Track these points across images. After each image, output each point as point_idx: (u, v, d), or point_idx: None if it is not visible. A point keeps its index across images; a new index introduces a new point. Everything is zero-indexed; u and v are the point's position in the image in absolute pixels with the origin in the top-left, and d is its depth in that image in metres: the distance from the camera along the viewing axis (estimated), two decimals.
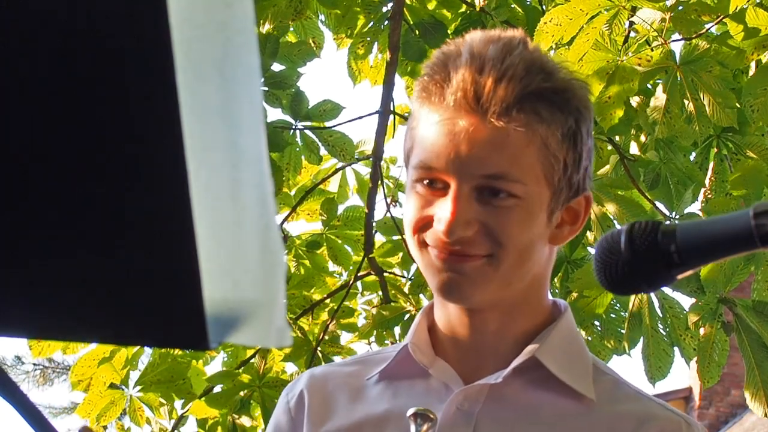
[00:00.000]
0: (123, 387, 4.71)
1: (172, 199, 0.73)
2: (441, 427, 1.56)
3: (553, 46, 4.12)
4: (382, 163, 5.25)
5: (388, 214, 5.18)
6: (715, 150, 4.39)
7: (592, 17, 3.87)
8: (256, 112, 0.79)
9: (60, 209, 0.75)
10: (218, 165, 0.77)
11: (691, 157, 4.47)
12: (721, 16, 3.94)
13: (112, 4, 0.72)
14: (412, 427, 1.44)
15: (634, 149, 4.58)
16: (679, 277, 1.00)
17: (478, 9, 4.73)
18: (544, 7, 4.79)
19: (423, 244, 1.56)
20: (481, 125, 1.51)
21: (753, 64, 4.04)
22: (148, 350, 4.84)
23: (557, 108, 1.54)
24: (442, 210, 1.52)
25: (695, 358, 4.21)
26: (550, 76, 1.55)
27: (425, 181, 1.55)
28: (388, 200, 5.30)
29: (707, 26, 4.00)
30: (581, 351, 1.66)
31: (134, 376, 4.71)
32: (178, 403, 4.99)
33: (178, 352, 4.88)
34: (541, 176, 1.54)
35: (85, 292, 0.76)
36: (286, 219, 5.36)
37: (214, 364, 5.40)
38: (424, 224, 1.55)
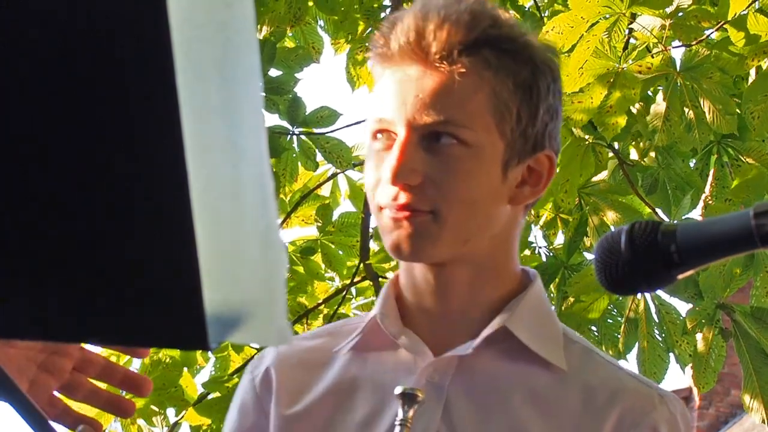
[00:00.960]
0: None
1: (172, 199, 0.73)
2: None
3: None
4: None
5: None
6: (716, 156, 4.39)
7: (593, 25, 3.87)
8: (256, 112, 0.79)
9: (59, 209, 0.75)
10: (218, 165, 0.77)
11: (692, 164, 4.47)
12: (721, 23, 3.94)
13: (112, 4, 0.72)
14: (399, 411, 1.42)
15: (633, 155, 4.58)
16: (680, 277, 1.00)
17: None
18: (543, 13, 4.79)
19: (379, 209, 1.55)
20: (427, 72, 1.52)
21: (753, 71, 4.04)
22: (136, 362, 4.82)
23: (508, 56, 1.54)
24: (389, 159, 1.52)
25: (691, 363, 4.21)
26: (500, 25, 1.54)
27: (378, 135, 1.55)
28: None
29: (707, 33, 4.01)
30: (551, 320, 1.64)
31: None
32: (170, 410, 4.98)
33: (168, 360, 4.87)
34: (491, 125, 1.53)
35: (84, 292, 0.76)
36: (281, 225, 5.36)
37: (203, 373, 5.39)
38: (376, 183, 1.55)
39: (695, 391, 4.30)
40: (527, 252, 4.76)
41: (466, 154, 1.52)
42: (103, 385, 1.44)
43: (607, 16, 3.90)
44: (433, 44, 1.51)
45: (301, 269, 5.34)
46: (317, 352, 1.66)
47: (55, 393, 1.41)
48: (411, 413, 1.41)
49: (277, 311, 0.81)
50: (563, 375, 1.58)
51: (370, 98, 1.60)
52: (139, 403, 4.77)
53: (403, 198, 1.51)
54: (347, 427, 1.58)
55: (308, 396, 1.62)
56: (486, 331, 1.57)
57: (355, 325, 1.67)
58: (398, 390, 1.40)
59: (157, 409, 4.91)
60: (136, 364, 4.87)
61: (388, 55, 1.54)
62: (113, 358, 4.54)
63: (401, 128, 1.52)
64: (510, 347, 1.58)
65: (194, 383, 5.04)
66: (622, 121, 3.93)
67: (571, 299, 4.29)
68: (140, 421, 4.90)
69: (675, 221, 4.38)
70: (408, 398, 1.41)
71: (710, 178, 4.40)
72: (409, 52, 1.52)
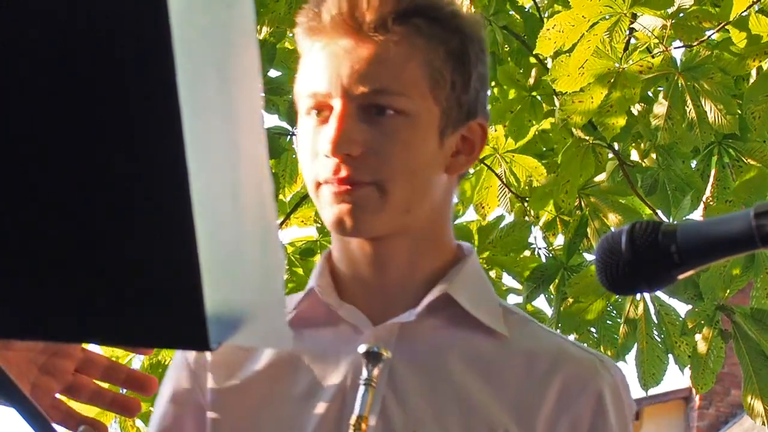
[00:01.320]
0: None
1: (172, 199, 0.73)
2: (356, 368, 1.52)
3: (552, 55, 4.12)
4: None
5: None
6: (716, 157, 4.38)
7: (594, 24, 3.87)
8: (256, 113, 0.79)
9: (59, 209, 0.75)
10: (218, 166, 0.77)
11: (692, 165, 4.46)
12: (723, 23, 3.94)
13: (112, 4, 0.72)
14: (364, 371, 1.39)
15: (633, 156, 4.58)
16: (680, 277, 1.00)
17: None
18: (544, 14, 4.79)
19: (317, 185, 1.53)
20: (360, 42, 1.51)
21: (754, 72, 4.04)
22: (136, 363, 4.82)
23: (438, 24, 1.54)
24: (328, 131, 1.50)
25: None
26: None
27: (313, 111, 1.54)
28: None
29: (708, 33, 4.00)
30: (489, 290, 1.65)
31: None
32: None
33: (169, 361, 4.87)
34: (427, 92, 1.53)
35: (84, 292, 0.76)
36: (280, 226, 5.36)
37: None
38: (314, 157, 1.53)
39: (695, 391, 4.29)
40: (527, 253, 4.76)
41: (404, 123, 1.51)
42: (105, 385, 1.45)
43: (609, 15, 3.89)
44: (366, 14, 1.51)
45: (300, 270, 5.34)
46: None
47: (58, 396, 1.42)
48: (376, 372, 1.38)
49: (276, 312, 0.81)
50: (505, 341, 1.58)
51: (299, 72, 1.57)
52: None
53: (344, 171, 1.49)
54: (287, 400, 1.56)
55: (245, 371, 1.60)
56: (428, 298, 1.56)
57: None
58: (362, 349, 1.37)
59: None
60: (135, 364, 4.87)
61: (318, 28, 1.53)
62: (115, 358, 4.55)
63: (337, 100, 1.51)
64: (452, 314, 1.57)
65: None
66: (621, 121, 3.93)
67: (570, 300, 4.29)
68: (138, 422, 4.89)
69: (675, 222, 4.38)
70: (372, 357, 1.37)
71: (711, 179, 4.40)
72: (342, 23, 1.51)
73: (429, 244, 1.60)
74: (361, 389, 1.35)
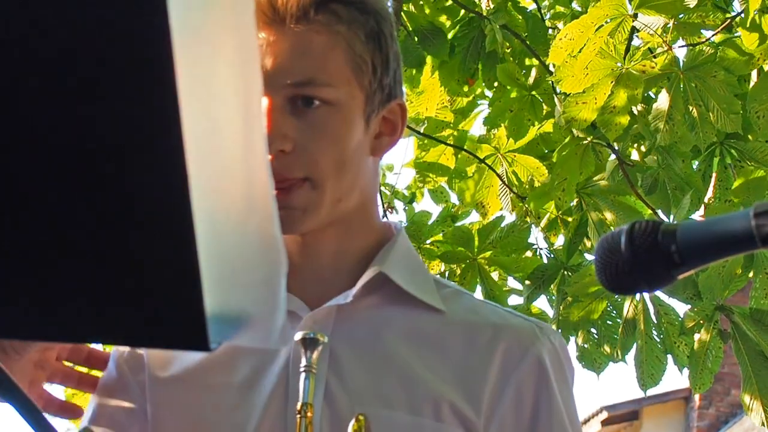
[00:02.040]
0: None
1: (172, 199, 0.73)
2: (295, 357, 1.51)
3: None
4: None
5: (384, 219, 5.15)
6: (718, 157, 4.37)
7: (599, 27, 3.87)
8: (256, 112, 0.79)
9: (59, 210, 0.75)
10: (218, 165, 0.77)
11: (695, 165, 4.46)
12: (728, 22, 3.93)
13: (112, 4, 0.72)
14: (303, 358, 1.38)
15: (633, 155, 4.57)
16: (680, 277, 1.00)
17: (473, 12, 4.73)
18: (546, 15, 4.79)
19: None
20: (282, 34, 1.50)
21: (754, 72, 4.03)
22: None
23: (355, 8, 1.54)
24: None
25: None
26: None
27: None
28: (384, 206, 5.30)
29: (712, 32, 4.00)
30: (422, 266, 1.65)
31: None
32: None
33: None
34: (351, 79, 1.53)
35: (84, 292, 0.76)
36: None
37: None
38: None
39: (694, 391, 4.29)
40: (528, 253, 4.76)
41: (331, 113, 1.51)
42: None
43: (613, 17, 3.89)
44: (287, 5, 1.50)
45: None
46: None
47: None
48: (315, 356, 1.37)
49: (276, 312, 0.81)
50: (443, 316, 1.58)
51: None
52: None
53: (277, 168, 1.49)
54: (228, 389, 1.54)
55: (182, 361, 1.58)
56: (363, 279, 1.56)
57: None
58: (298, 336, 1.34)
59: None
60: None
61: None
62: None
63: (264, 96, 1.50)
64: (387, 293, 1.58)
65: None
66: (625, 121, 3.92)
67: (570, 300, 4.29)
68: None
69: (675, 221, 4.37)
70: (309, 343, 1.36)
71: (713, 180, 4.39)
72: (262, 16, 1.50)
73: (358, 227, 1.60)
74: (302, 376, 1.34)
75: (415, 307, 1.58)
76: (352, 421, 1.25)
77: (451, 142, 5.07)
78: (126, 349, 1.62)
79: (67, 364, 1.50)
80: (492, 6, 4.69)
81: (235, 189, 0.78)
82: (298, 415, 1.29)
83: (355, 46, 1.53)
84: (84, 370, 1.57)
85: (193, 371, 1.56)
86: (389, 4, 1.53)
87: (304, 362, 1.34)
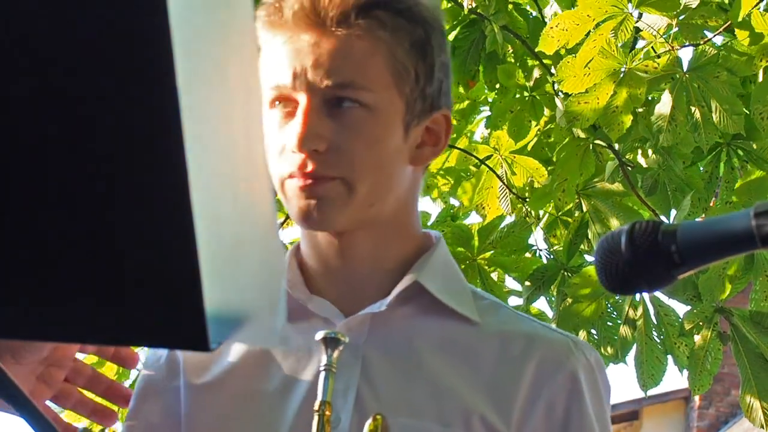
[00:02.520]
0: None
1: (172, 199, 0.73)
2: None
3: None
4: None
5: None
6: (725, 159, 4.36)
7: (599, 23, 3.86)
8: (256, 113, 0.79)
9: (59, 210, 0.75)
10: (218, 165, 0.77)
11: (701, 167, 4.45)
12: (729, 22, 3.93)
13: (112, 5, 0.72)
14: (323, 357, 1.37)
15: (637, 158, 4.56)
16: (680, 277, 1.00)
17: (467, 11, 4.71)
18: (546, 16, 4.78)
19: (282, 180, 1.53)
20: (323, 37, 1.51)
21: (760, 73, 4.02)
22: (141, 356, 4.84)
23: (402, 16, 1.54)
24: (293, 126, 1.51)
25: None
26: None
27: (276, 103, 1.53)
28: None
29: (714, 33, 3.99)
30: (459, 277, 1.65)
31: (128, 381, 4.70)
32: None
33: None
34: (391, 85, 1.53)
35: (84, 292, 0.76)
36: (281, 225, 5.36)
37: None
38: (280, 152, 1.53)
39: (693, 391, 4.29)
40: (528, 254, 4.76)
41: (368, 117, 1.52)
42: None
43: (614, 15, 3.88)
44: (328, 9, 1.51)
45: None
46: None
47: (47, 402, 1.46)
48: (335, 355, 1.37)
49: (276, 312, 0.81)
50: (477, 327, 1.58)
51: (261, 66, 1.56)
52: None
53: (310, 166, 1.50)
54: (262, 396, 1.55)
55: (217, 367, 1.59)
56: (398, 287, 1.57)
57: None
58: (319, 335, 1.34)
59: None
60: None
61: (279, 23, 1.53)
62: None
63: (302, 95, 1.51)
64: (423, 303, 1.58)
65: None
66: (627, 120, 3.92)
67: (570, 300, 4.28)
68: None
69: (675, 222, 4.37)
70: (330, 342, 1.37)
71: (720, 181, 4.38)
72: (304, 18, 1.51)
73: (395, 235, 1.60)
74: (322, 375, 1.34)
75: (450, 317, 1.58)
76: (369, 420, 1.25)
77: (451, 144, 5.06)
78: (163, 353, 1.64)
79: (84, 392, 1.49)
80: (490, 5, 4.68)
81: (236, 189, 0.78)
82: (317, 414, 1.29)
83: (397, 53, 1.53)
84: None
85: (227, 378, 1.57)
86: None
87: (324, 360, 1.34)
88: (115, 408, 1.53)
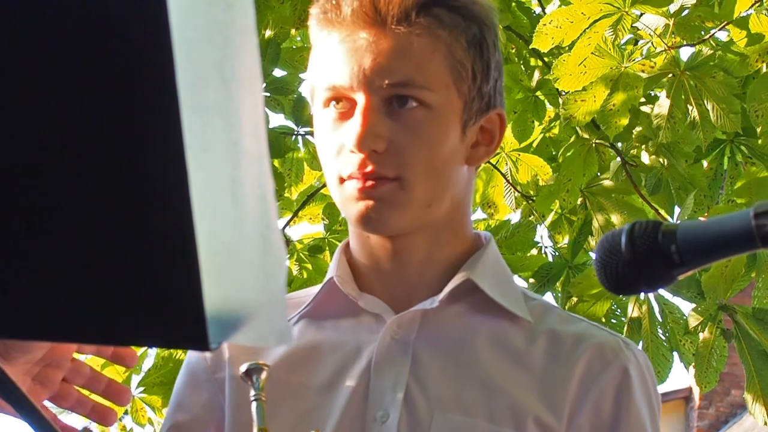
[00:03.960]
0: None
1: (173, 200, 0.73)
2: (377, 359, 1.53)
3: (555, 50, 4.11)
4: None
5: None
6: (729, 156, 4.36)
7: (594, 21, 3.85)
8: (256, 112, 0.79)
9: (59, 210, 0.75)
10: (218, 165, 0.77)
11: (704, 164, 4.45)
12: (725, 22, 3.93)
13: (112, 5, 0.72)
14: (251, 390, 1.36)
15: (641, 156, 4.57)
16: (680, 277, 1.00)
17: None
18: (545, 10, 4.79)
19: (340, 180, 1.52)
20: (382, 35, 1.49)
21: (764, 68, 4.02)
22: (151, 353, 4.84)
23: (459, 14, 1.53)
24: (352, 126, 1.49)
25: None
26: None
27: (333, 103, 1.52)
28: None
29: (711, 32, 4.00)
30: (510, 277, 1.65)
31: (136, 379, 4.71)
32: None
33: (181, 355, 4.88)
34: (450, 84, 1.52)
35: (84, 292, 0.76)
36: (288, 224, 5.37)
37: None
38: (337, 152, 1.52)
39: (695, 391, 4.30)
40: (534, 251, 4.76)
41: (428, 116, 1.50)
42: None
43: (610, 13, 3.88)
44: (389, 7, 1.49)
45: (309, 266, 5.33)
46: None
47: (45, 402, 1.45)
48: (263, 376, 1.36)
49: (277, 311, 0.81)
50: (528, 326, 1.57)
51: (315, 65, 1.55)
52: (150, 396, 4.78)
53: (370, 166, 1.49)
54: (308, 390, 1.55)
55: (263, 359, 1.55)
56: (450, 285, 1.56)
57: (301, 298, 1.65)
58: (243, 368, 1.35)
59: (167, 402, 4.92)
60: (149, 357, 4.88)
61: (337, 20, 1.51)
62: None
63: (360, 94, 1.49)
64: (474, 301, 1.57)
65: None
66: (624, 119, 3.92)
67: (575, 299, 4.28)
68: (150, 414, 4.90)
69: (678, 221, 4.37)
70: (254, 372, 1.36)
71: (725, 178, 4.38)
72: (363, 16, 1.50)
73: (449, 236, 1.59)
74: (254, 405, 1.34)
75: (501, 316, 1.58)
76: None
77: None
78: None
79: (83, 391, 1.48)
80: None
81: (236, 188, 0.78)
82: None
83: (455, 51, 1.52)
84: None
85: (273, 371, 1.54)
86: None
87: (252, 392, 1.33)
88: (114, 407, 1.53)
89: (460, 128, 1.54)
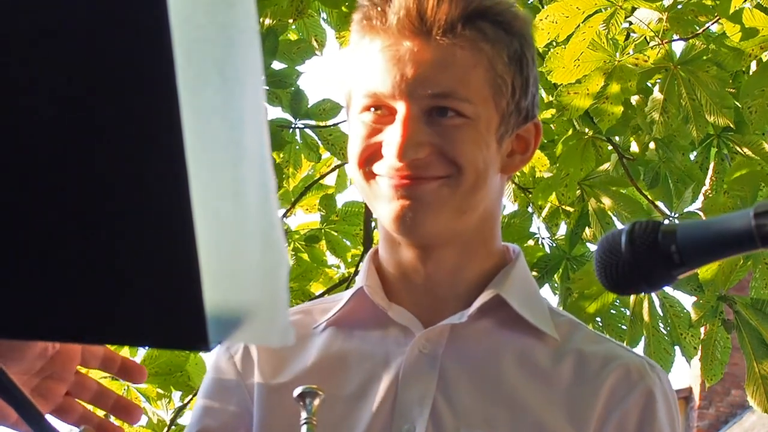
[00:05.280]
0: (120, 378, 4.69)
1: (173, 199, 0.73)
2: (405, 372, 1.53)
3: (553, 45, 4.11)
4: None
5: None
6: (716, 149, 4.38)
7: (589, 16, 3.86)
8: (257, 111, 0.79)
9: (59, 210, 0.75)
10: (219, 164, 0.77)
11: (692, 156, 4.46)
12: (718, 17, 3.93)
13: (113, 5, 0.72)
14: (303, 412, 1.36)
15: (633, 147, 4.58)
16: (680, 277, 1.00)
17: None
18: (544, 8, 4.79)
19: (370, 175, 1.52)
20: (426, 45, 1.49)
21: (753, 65, 4.03)
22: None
23: (501, 28, 1.53)
24: (392, 134, 1.49)
25: (696, 357, 4.21)
26: None
27: (372, 109, 1.51)
28: None
29: (705, 26, 4.00)
30: (538, 293, 1.64)
31: None
32: (176, 394, 4.99)
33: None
34: (489, 98, 1.51)
35: (84, 292, 0.76)
36: (285, 214, 5.38)
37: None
38: (371, 154, 1.51)
39: (695, 390, 4.31)
40: (530, 242, 4.76)
41: (466, 125, 1.50)
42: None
43: (605, 7, 3.88)
44: (435, 17, 1.48)
45: (305, 256, 5.34)
46: (295, 327, 1.60)
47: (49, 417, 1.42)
48: (316, 402, 1.35)
49: (278, 311, 0.81)
50: (555, 344, 1.57)
51: (355, 70, 1.55)
52: (146, 386, 4.79)
53: (412, 169, 1.48)
54: (337, 400, 1.54)
55: (292, 368, 1.58)
56: (480, 300, 1.55)
57: (328, 305, 1.64)
58: (297, 392, 1.33)
59: (162, 392, 4.92)
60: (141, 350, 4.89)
61: (382, 28, 1.51)
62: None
63: (401, 103, 1.49)
64: (503, 317, 1.57)
65: (205, 364, 5.02)
66: (618, 111, 3.93)
67: (576, 294, 4.29)
68: (145, 404, 4.92)
69: (677, 215, 4.38)
70: (308, 395, 1.35)
71: (710, 171, 4.40)
72: (409, 25, 1.49)
73: (479, 248, 1.58)
74: (304, 428, 1.34)
75: (529, 333, 1.57)
76: None
77: None
78: (240, 347, 1.59)
79: (89, 407, 1.45)
80: None
81: (237, 187, 0.78)
82: None
83: (497, 65, 1.52)
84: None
85: (302, 380, 1.52)
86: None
87: (304, 415, 1.32)
88: (122, 424, 1.48)
89: (496, 141, 1.53)
